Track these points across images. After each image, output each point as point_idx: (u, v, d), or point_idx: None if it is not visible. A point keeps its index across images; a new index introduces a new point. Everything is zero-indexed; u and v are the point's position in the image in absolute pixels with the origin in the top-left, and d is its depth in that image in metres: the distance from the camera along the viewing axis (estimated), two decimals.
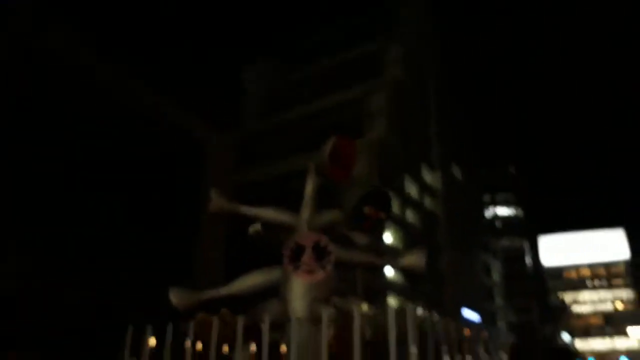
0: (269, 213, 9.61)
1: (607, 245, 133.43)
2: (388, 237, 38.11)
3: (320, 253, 7.94)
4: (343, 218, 9.06)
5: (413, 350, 6.45)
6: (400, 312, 7.57)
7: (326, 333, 8.05)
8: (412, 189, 46.59)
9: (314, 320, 7.77)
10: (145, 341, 8.21)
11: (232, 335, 7.75)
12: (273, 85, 51.44)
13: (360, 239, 9.66)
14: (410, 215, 44.77)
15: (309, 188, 9.55)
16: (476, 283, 59.06)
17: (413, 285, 40.77)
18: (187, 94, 38.17)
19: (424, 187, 49.61)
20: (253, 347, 8.17)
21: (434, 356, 6.90)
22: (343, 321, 7.56)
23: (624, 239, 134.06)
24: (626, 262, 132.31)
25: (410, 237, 41.61)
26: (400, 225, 40.85)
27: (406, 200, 44.15)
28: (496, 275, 71.06)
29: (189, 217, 28.48)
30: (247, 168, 43.01)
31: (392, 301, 36.80)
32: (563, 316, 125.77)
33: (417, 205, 47.03)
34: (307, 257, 7.88)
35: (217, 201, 9.36)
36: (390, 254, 9.44)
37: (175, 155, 31.34)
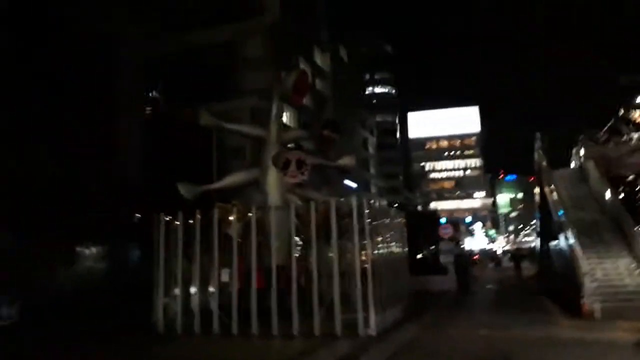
0: (245, 128, 12.84)
1: (463, 120, 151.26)
2: (286, 117, 41.59)
3: (301, 165, 11.57)
4: (303, 135, 12.57)
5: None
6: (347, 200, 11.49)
7: (292, 214, 11.95)
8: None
9: (286, 205, 11.53)
10: (181, 225, 11.23)
11: (243, 219, 11.32)
12: None
13: (310, 146, 13.43)
14: None
15: (275, 110, 12.75)
16: (355, 156, 66.20)
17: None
18: None
19: (315, 69, 52.83)
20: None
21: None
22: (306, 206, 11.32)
23: (477, 115, 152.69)
24: (477, 135, 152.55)
25: (303, 117, 45.49)
26: (295, 106, 44.28)
27: None
28: (371, 148, 79.49)
29: (104, 104, 28.62)
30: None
31: None
32: (422, 181, 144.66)
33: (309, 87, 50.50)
34: (292, 167, 11.47)
35: (205, 118, 12.25)
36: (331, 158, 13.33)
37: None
